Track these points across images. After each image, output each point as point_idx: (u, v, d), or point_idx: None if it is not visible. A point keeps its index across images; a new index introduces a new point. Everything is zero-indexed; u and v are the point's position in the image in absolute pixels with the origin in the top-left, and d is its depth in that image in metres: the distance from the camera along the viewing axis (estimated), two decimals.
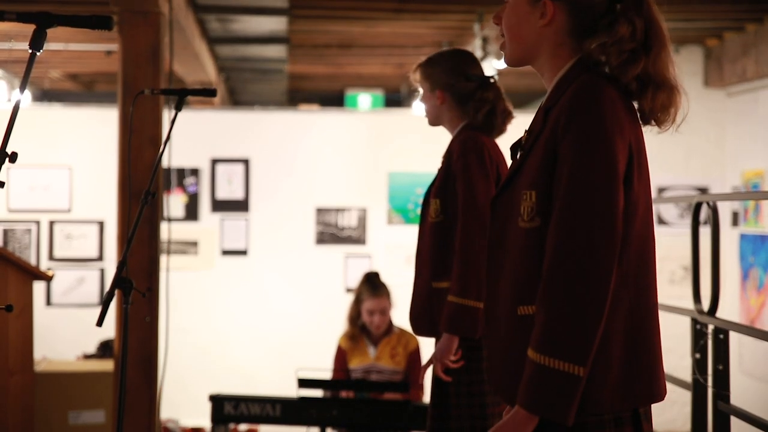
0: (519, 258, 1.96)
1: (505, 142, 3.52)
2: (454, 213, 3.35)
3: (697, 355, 3.85)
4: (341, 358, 5.53)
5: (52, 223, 7.62)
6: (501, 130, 3.51)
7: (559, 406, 1.83)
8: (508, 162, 3.38)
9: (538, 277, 1.90)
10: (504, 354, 1.98)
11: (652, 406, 2.01)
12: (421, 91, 3.55)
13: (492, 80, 3.52)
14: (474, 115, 3.45)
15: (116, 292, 3.25)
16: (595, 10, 2.00)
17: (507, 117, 3.50)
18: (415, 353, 5.47)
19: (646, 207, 1.95)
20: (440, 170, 3.46)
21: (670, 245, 7.48)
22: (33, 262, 7.41)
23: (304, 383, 5.02)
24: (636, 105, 1.98)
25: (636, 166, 1.91)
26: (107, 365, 5.64)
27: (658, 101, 1.96)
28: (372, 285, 5.50)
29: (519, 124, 3.49)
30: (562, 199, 1.87)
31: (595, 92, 1.90)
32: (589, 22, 2.01)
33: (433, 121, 3.56)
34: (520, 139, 2.09)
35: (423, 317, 3.45)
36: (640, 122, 1.99)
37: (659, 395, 1.97)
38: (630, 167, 1.90)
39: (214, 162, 7.74)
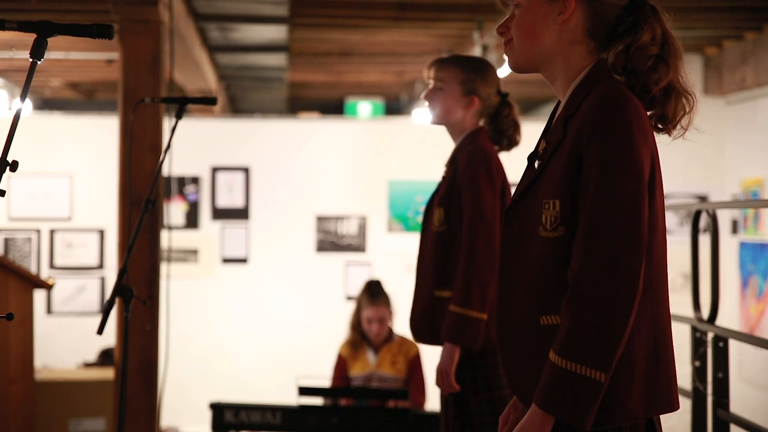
0: (540, 267, 1.96)
1: (509, 153, 3.54)
2: (458, 223, 3.33)
3: (697, 363, 3.85)
4: (341, 366, 5.53)
5: (52, 232, 7.63)
6: (517, 144, 3.53)
7: (578, 409, 1.82)
8: (509, 172, 3.41)
9: (562, 286, 1.89)
10: (528, 364, 1.97)
11: None
12: (437, 86, 3.44)
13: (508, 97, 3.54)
14: (503, 132, 3.46)
15: (117, 300, 3.26)
16: (612, 13, 2.01)
17: (520, 133, 3.53)
18: (416, 361, 5.47)
19: (663, 215, 1.96)
20: (444, 179, 3.44)
21: (670, 253, 7.38)
22: (34, 270, 7.41)
23: (304, 391, 5.02)
24: (656, 112, 1.99)
25: (656, 175, 1.92)
26: (108, 373, 5.64)
27: (679, 108, 1.98)
28: (371, 293, 5.50)
29: (524, 133, 3.52)
30: (589, 208, 1.86)
31: (620, 100, 1.90)
32: (605, 24, 2.01)
33: (444, 120, 3.45)
34: (537, 149, 2.08)
35: (425, 325, 3.43)
36: (655, 128, 2.00)
37: (675, 405, 1.98)
38: (652, 176, 1.91)
39: (215, 170, 7.75)
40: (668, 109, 1.98)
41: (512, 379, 2.04)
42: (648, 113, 1.98)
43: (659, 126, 2.00)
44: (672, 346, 1.98)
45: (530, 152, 2.11)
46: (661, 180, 1.96)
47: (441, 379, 3.28)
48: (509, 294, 2.04)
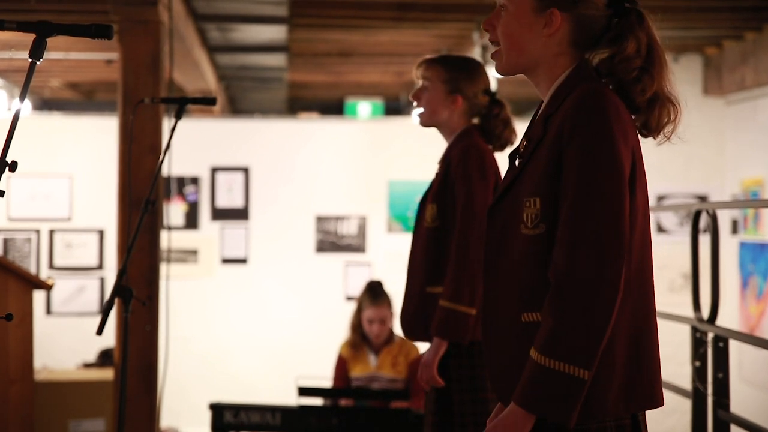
0: (522, 265, 1.96)
1: (503, 152, 3.53)
2: (451, 218, 3.34)
3: (697, 363, 3.84)
4: (341, 366, 5.52)
5: (52, 232, 7.62)
6: (511, 143, 3.51)
7: (561, 407, 1.83)
8: (503, 170, 3.40)
9: (543, 284, 1.90)
10: (509, 361, 1.98)
11: (653, 414, 2.02)
12: (424, 85, 3.44)
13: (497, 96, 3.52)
14: (491, 131, 3.45)
15: (116, 300, 3.26)
16: (598, 24, 2.02)
17: (513, 132, 3.51)
18: (416, 362, 5.44)
19: (645, 213, 1.96)
20: (438, 175, 3.44)
21: (670, 253, 7.48)
22: (33, 271, 7.41)
23: (304, 391, 5.02)
24: (640, 120, 2.00)
25: (637, 172, 1.93)
26: (107, 374, 5.63)
27: (663, 117, 1.99)
28: (373, 294, 5.49)
29: (520, 133, 3.51)
30: (569, 205, 1.87)
31: (599, 99, 1.91)
32: (591, 35, 2.02)
33: (433, 121, 3.45)
34: (518, 147, 2.09)
35: (417, 322, 3.43)
36: (642, 134, 2.01)
37: (659, 400, 1.98)
38: (633, 173, 1.92)
39: (214, 170, 7.74)
40: (652, 118, 1.99)
41: (493, 377, 2.05)
42: (641, 121, 2.00)
43: (643, 132, 2.01)
44: (656, 342, 1.98)
45: (511, 150, 2.13)
46: (644, 177, 1.97)
47: (423, 372, 3.29)
48: (493, 291, 2.05)
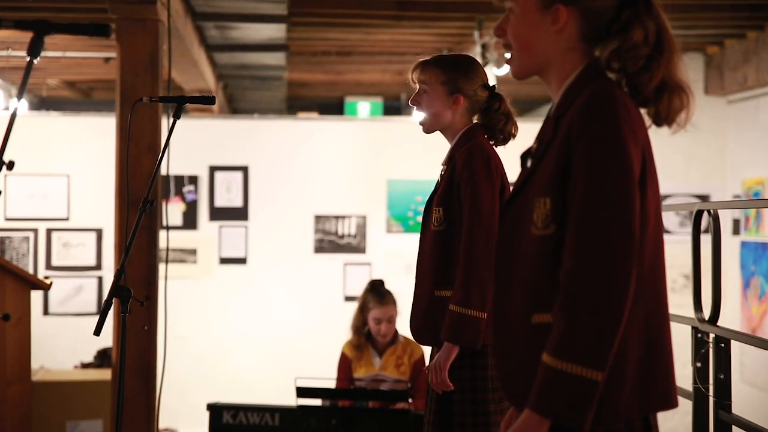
0: (532, 266, 1.95)
1: (509, 152, 3.51)
2: (458, 221, 3.31)
3: (698, 364, 3.82)
4: (345, 365, 5.49)
5: (49, 232, 7.60)
6: (513, 137, 3.47)
7: (575, 410, 1.81)
8: (509, 170, 3.38)
9: (554, 285, 1.89)
10: (519, 363, 1.96)
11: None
12: (422, 89, 3.41)
13: (495, 89, 3.49)
14: (494, 126, 3.41)
15: (114, 300, 3.23)
16: (605, 15, 2.00)
17: (515, 125, 3.47)
18: (420, 362, 5.42)
19: (657, 213, 1.95)
20: (443, 177, 3.41)
21: (671, 253, 7.38)
22: (31, 270, 7.39)
23: (302, 392, 5.00)
24: (651, 111, 1.98)
25: (648, 172, 1.92)
26: (105, 374, 5.61)
27: (674, 105, 1.97)
28: (378, 293, 5.45)
29: (521, 132, 3.49)
30: (578, 206, 1.86)
31: (609, 99, 1.90)
32: (600, 27, 2.00)
33: (436, 125, 3.42)
34: (530, 148, 2.07)
35: (426, 326, 3.41)
36: (653, 124, 1.99)
37: (673, 402, 1.96)
38: (643, 173, 1.90)
39: (213, 170, 7.72)
40: (662, 107, 1.97)
41: (504, 379, 2.03)
42: (643, 111, 1.97)
43: (656, 121, 1.99)
44: (669, 343, 1.97)
45: (523, 151, 2.11)
46: (655, 178, 1.95)
47: (434, 376, 3.27)
48: (504, 293, 2.04)
